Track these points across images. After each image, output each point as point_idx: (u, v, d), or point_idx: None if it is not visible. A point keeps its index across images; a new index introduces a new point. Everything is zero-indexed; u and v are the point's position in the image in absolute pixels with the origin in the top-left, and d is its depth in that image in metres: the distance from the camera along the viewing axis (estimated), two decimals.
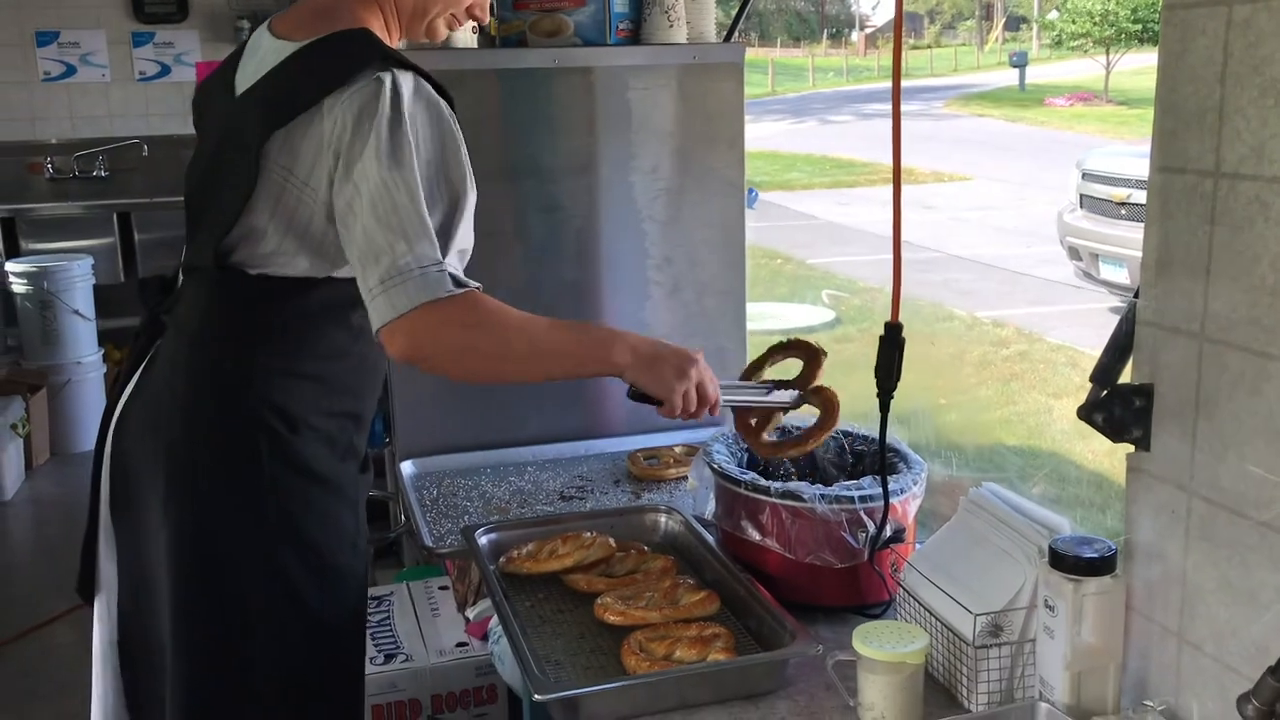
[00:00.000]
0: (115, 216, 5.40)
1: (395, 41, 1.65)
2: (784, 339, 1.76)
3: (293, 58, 1.52)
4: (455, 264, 1.45)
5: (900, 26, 1.23)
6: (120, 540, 1.64)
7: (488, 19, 1.72)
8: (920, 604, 1.39)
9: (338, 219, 1.46)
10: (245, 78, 1.57)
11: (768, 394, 1.67)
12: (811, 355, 1.69)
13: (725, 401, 1.59)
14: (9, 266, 5.01)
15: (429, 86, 1.49)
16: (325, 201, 1.47)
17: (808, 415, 1.68)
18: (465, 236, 1.49)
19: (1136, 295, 1.21)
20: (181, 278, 1.63)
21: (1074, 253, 8.17)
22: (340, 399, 1.60)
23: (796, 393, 1.67)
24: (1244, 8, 1.02)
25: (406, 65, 1.48)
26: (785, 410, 1.68)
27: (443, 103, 1.50)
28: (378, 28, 1.59)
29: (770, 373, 1.74)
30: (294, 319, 1.55)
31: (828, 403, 1.64)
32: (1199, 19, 1.07)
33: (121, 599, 1.65)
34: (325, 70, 1.47)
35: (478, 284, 1.45)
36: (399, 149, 1.42)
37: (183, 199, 1.66)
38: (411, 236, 1.40)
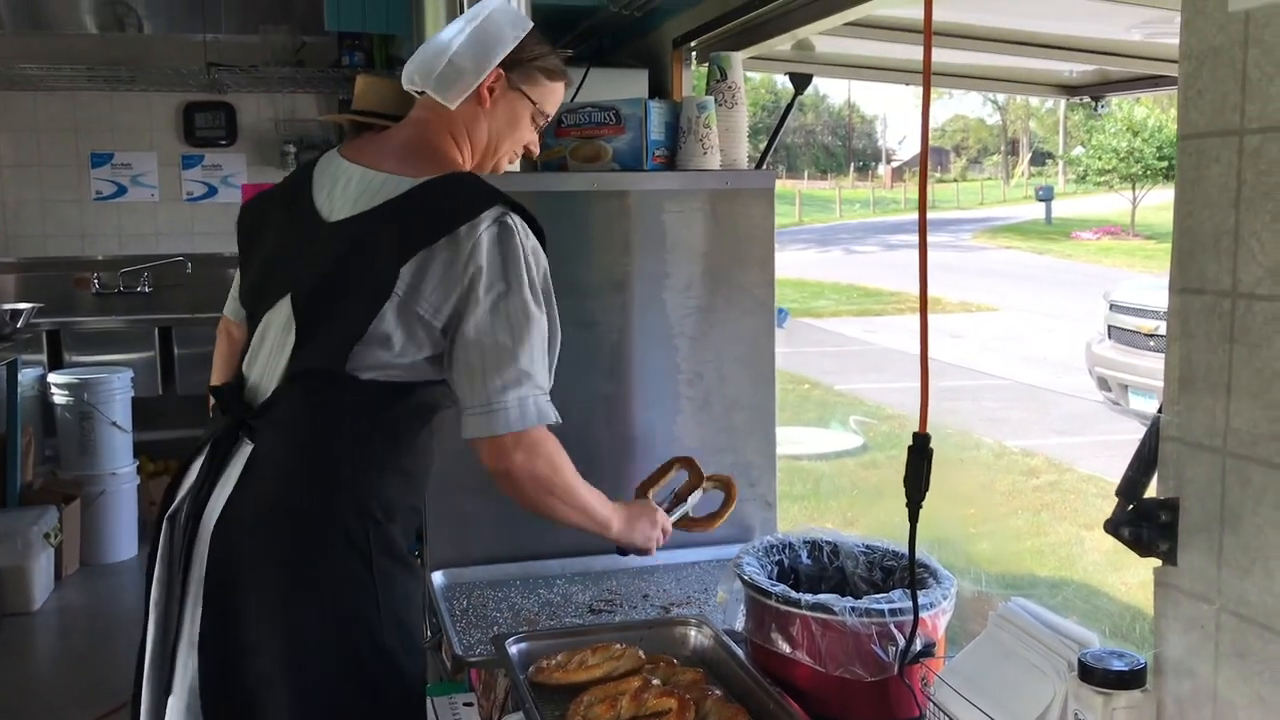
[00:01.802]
0: (157, 331, 5.54)
1: None
2: (669, 459, 2.12)
3: (423, 188, 1.71)
4: (548, 388, 1.70)
5: (927, 141, 1.29)
6: (211, 643, 1.68)
7: (538, 152, 1.95)
8: (951, 718, 1.39)
9: (466, 335, 1.64)
10: (339, 202, 1.75)
11: (688, 506, 2.05)
12: (690, 464, 2.08)
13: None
14: (51, 378, 5.13)
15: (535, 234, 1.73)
16: (448, 317, 1.66)
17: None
18: (552, 366, 1.73)
19: (1160, 411, 1.23)
20: (276, 384, 1.73)
21: (1103, 383, 8.19)
22: (417, 490, 1.81)
23: (699, 493, 2.07)
24: (1255, 138, 1.07)
25: (520, 208, 1.71)
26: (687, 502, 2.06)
27: (541, 250, 1.73)
28: (460, 165, 1.82)
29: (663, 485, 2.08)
30: (398, 419, 1.73)
31: (728, 486, 2.08)
32: (1213, 148, 1.13)
33: (207, 701, 1.68)
34: (458, 203, 1.68)
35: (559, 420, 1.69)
36: (533, 285, 1.66)
37: (218, 314, 1.94)
38: (539, 366, 1.66)
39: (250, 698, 1.65)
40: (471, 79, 1.79)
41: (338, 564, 1.67)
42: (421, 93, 1.83)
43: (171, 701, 1.71)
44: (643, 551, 1.92)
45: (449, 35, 1.82)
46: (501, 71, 1.80)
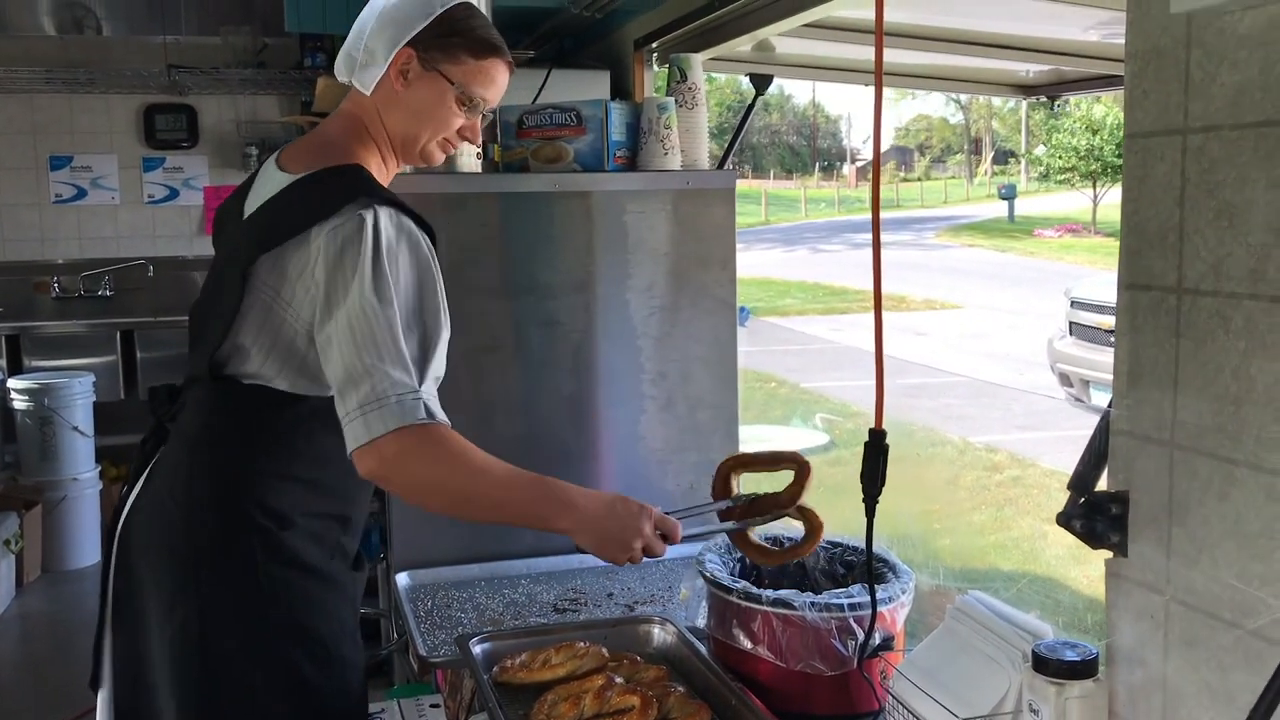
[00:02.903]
0: (118, 335, 5.49)
1: (393, 170, 1.78)
2: (776, 451, 1.82)
3: (288, 188, 1.64)
4: (430, 391, 1.54)
5: (879, 138, 1.31)
6: (119, 639, 1.68)
7: (479, 141, 1.81)
8: (909, 711, 1.41)
9: (319, 344, 1.56)
10: (251, 205, 1.71)
11: (733, 520, 1.72)
12: (801, 470, 1.73)
13: (687, 537, 1.67)
14: (11, 383, 5.07)
15: (411, 222, 1.59)
16: (307, 324, 1.58)
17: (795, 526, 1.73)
18: (439, 366, 1.59)
19: (1111, 405, 1.26)
20: (185, 387, 1.72)
21: (1065, 379, 8.27)
22: (328, 501, 1.69)
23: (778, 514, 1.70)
24: (1197, 137, 1.10)
25: (391, 202, 1.59)
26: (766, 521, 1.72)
27: (423, 239, 1.60)
28: (374, 161, 1.71)
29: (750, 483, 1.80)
30: (288, 426, 1.64)
31: (812, 520, 1.69)
32: (1158, 146, 1.15)
33: (118, 697, 1.68)
34: (314, 202, 1.59)
35: (447, 420, 1.53)
36: (380, 282, 1.51)
37: (180, 317, 1.80)
38: (390, 364, 1.49)
39: (148, 695, 1.65)
40: (381, 62, 1.67)
41: (217, 569, 1.61)
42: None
43: (101, 694, 1.73)
44: (620, 560, 1.62)
45: (366, 16, 1.72)
46: (413, 51, 1.66)
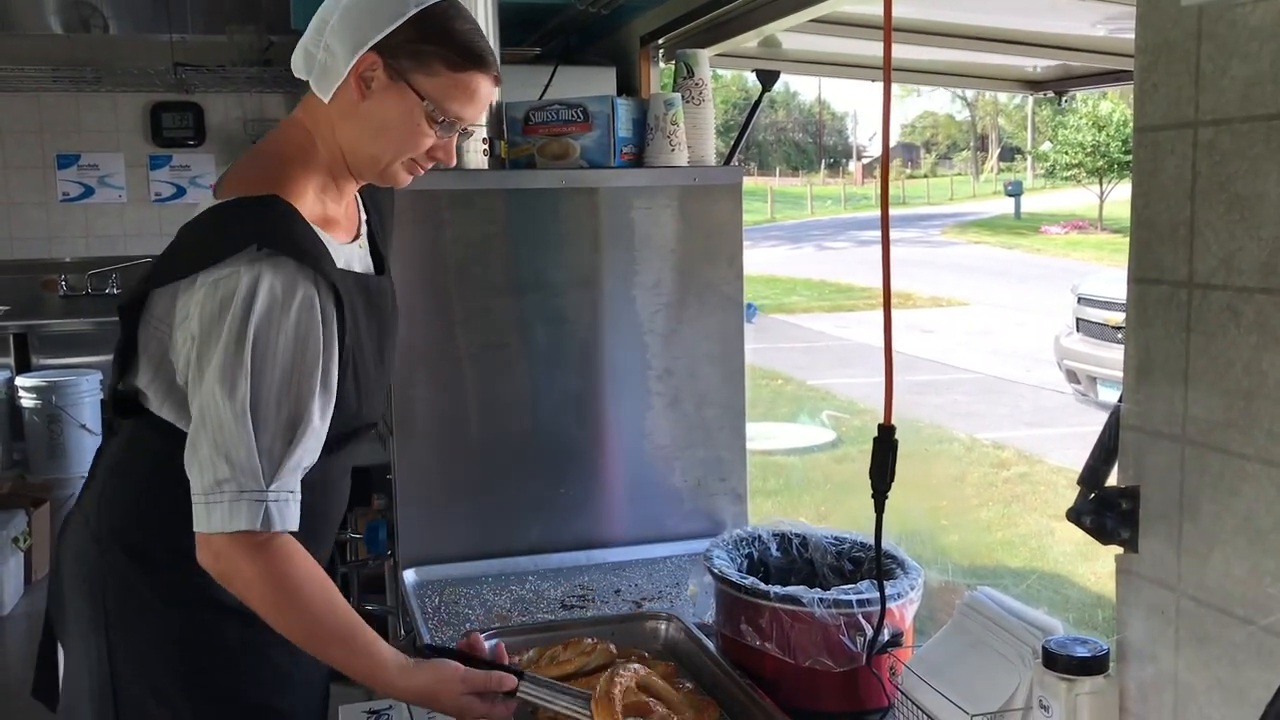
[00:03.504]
0: None
1: (347, 192, 1.59)
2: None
3: (198, 218, 1.48)
4: (287, 489, 1.39)
5: (888, 133, 1.31)
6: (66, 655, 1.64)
7: (453, 163, 1.57)
8: (918, 707, 1.41)
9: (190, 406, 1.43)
10: None
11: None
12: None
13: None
14: (19, 381, 5.08)
15: (308, 283, 1.39)
16: (184, 375, 1.44)
17: None
18: (305, 454, 1.42)
19: (1121, 400, 1.25)
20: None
21: (1072, 376, 8.26)
22: None
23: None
24: (1208, 130, 1.09)
25: (295, 251, 1.39)
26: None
27: (317, 303, 1.40)
28: (314, 185, 1.51)
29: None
30: None
31: None
32: (1168, 140, 1.15)
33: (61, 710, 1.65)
34: (210, 241, 1.43)
35: (293, 525, 1.40)
36: (237, 370, 1.35)
37: None
38: (234, 460, 1.35)
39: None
40: (342, 66, 1.44)
41: (125, 610, 1.52)
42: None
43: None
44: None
45: (330, 6, 1.49)
46: (379, 57, 1.44)
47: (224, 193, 1.48)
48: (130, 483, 1.57)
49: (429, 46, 1.44)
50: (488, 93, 1.51)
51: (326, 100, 1.48)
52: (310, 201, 1.49)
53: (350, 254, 1.57)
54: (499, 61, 1.55)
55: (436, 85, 1.45)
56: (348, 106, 1.47)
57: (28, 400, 5.03)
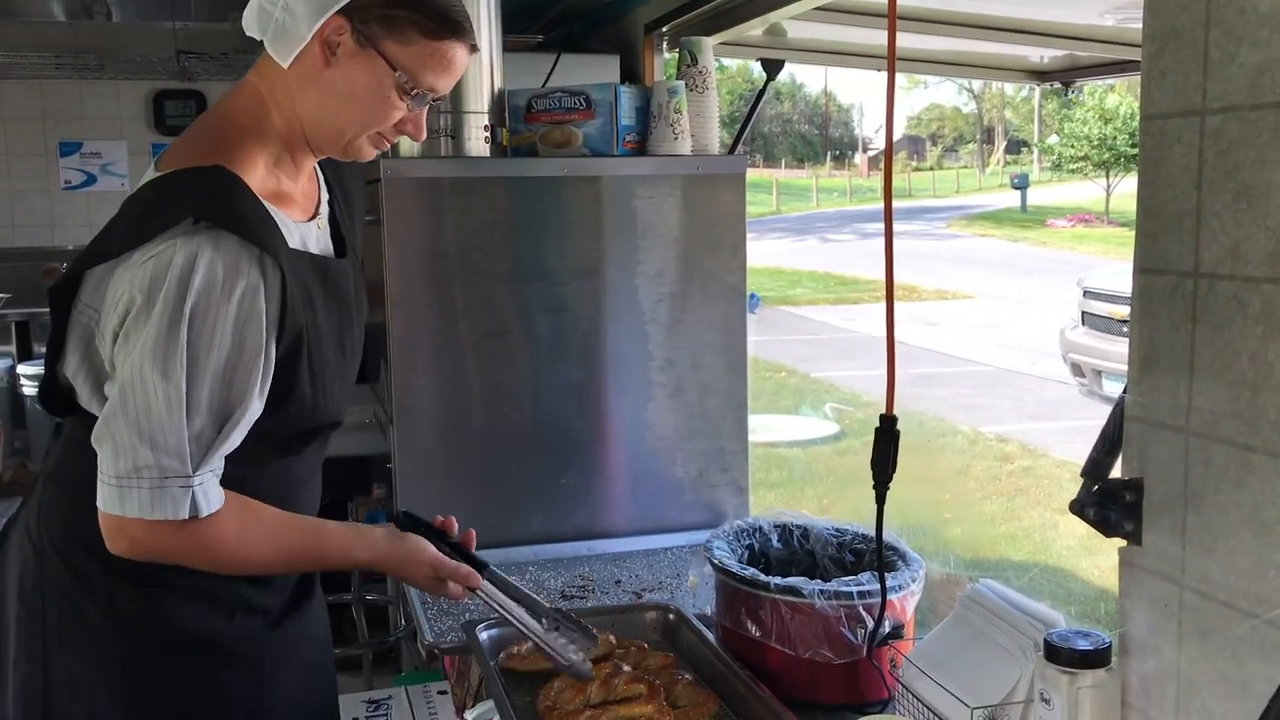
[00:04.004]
0: None
1: (304, 166, 1.48)
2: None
3: (136, 193, 1.37)
4: (212, 468, 1.31)
5: (892, 122, 1.30)
6: None
7: (423, 137, 1.47)
8: (919, 700, 1.40)
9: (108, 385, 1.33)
10: None
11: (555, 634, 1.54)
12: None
13: (490, 600, 1.53)
14: (21, 369, 5.08)
15: (249, 259, 1.29)
16: (109, 358, 1.34)
17: None
18: (239, 434, 1.34)
19: (1125, 392, 1.24)
20: None
21: (1077, 369, 8.25)
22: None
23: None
24: (1216, 118, 1.08)
25: (235, 223, 1.28)
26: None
27: (261, 289, 1.30)
28: (264, 157, 1.40)
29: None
30: None
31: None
32: (1175, 128, 1.13)
33: None
34: (146, 216, 1.31)
35: (217, 505, 1.32)
36: (170, 350, 1.25)
37: None
38: (159, 445, 1.26)
39: None
40: (304, 29, 1.32)
41: (65, 633, 1.41)
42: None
43: None
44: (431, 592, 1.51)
45: None
46: (346, 21, 1.33)
47: (164, 165, 1.36)
48: (66, 491, 1.42)
49: (402, 11, 1.33)
50: (464, 63, 1.41)
51: (285, 66, 1.36)
52: (261, 175, 1.38)
53: (306, 233, 1.45)
54: (490, 42, 1.48)
55: (410, 54, 1.35)
56: (309, 74, 1.35)
57: (29, 389, 5.02)
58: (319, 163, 1.54)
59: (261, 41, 1.39)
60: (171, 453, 1.27)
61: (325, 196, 1.56)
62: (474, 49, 1.42)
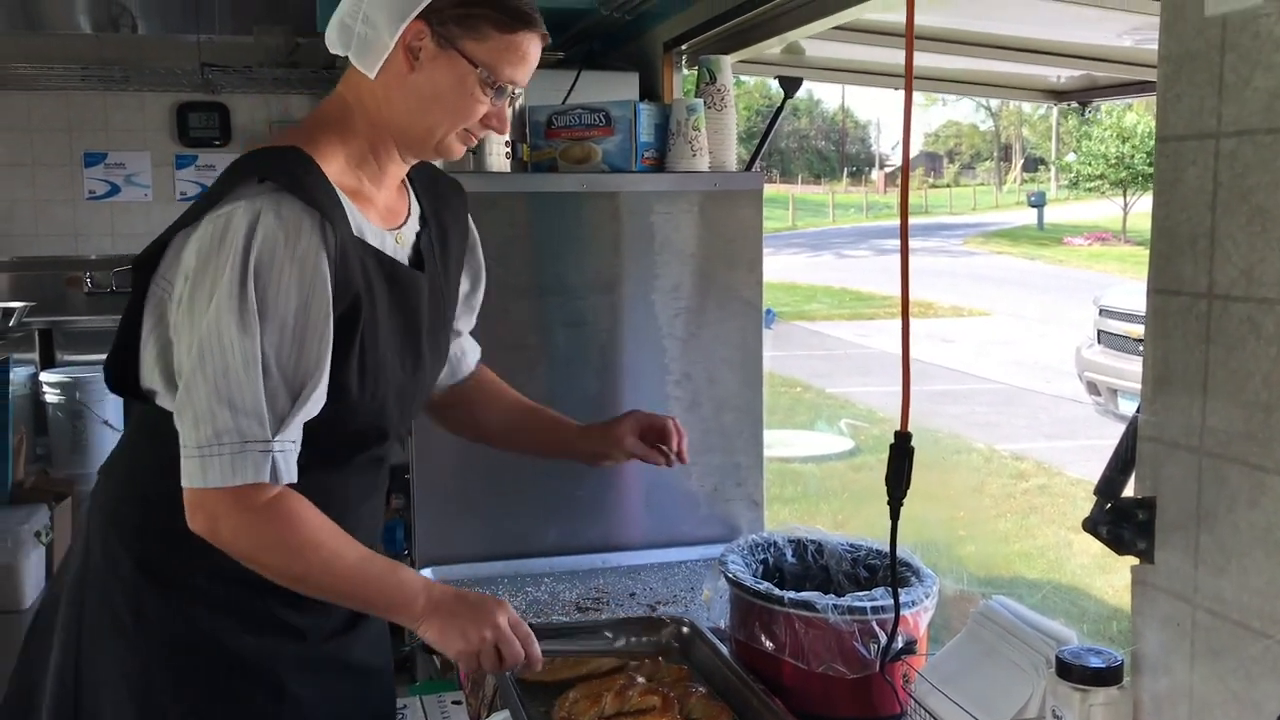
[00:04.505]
0: None
1: (391, 171, 1.51)
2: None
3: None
4: (290, 439, 1.32)
5: (909, 140, 1.31)
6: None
7: (506, 130, 1.52)
8: (931, 715, 1.41)
9: (175, 346, 1.36)
10: None
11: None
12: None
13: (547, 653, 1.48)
14: (43, 377, 5.12)
15: (311, 222, 1.32)
16: (174, 324, 1.37)
17: None
18: (314, 406, 1.35)
19: (1139, 411, 1.25)
20: None
21: (1092, 388, 8.22)
22: (238, 565, 1.36)
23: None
24: (1230, 141, 1.09)
25: (295, 187, 1.32)
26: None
27: (324, 252, 1.32)
28: (344, 155, 1.44)
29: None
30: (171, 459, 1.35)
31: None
32: (1190, 150, 1.14)
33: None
34: (213, 188, 1.38)
35: (293, 477, 1.33)
36: (243, 306, 1.28)
37: None
38: (238, 407, 1.28)
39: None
40: (386, 38, 1.38)
41: (99, 628, 1.44)
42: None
43: None
44: (461, 651, 1.40)
45: None
46: (426, 25, 1.38)
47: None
48: (110, 481, 1.48)
49: (477, 9, 1.39)
50: (536, 53, 1.46)
51: (373, 76, 1.42)
52: (339, 167, 1.43)
53: (383, 239, 1.47)
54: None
55: (487, 49, 1.40)
56: (395, 80, 1.41)
57: (51, 396, 5.06)
58: (418, 194, 1.60)
59: (346, 57, 1.45)
60: (250, 414, 1.28)
61: (414, 218, 1.58)
62: (545, 38, 1.47)
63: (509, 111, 1.51)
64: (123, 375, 1.44)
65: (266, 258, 1.29)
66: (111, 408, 5.12)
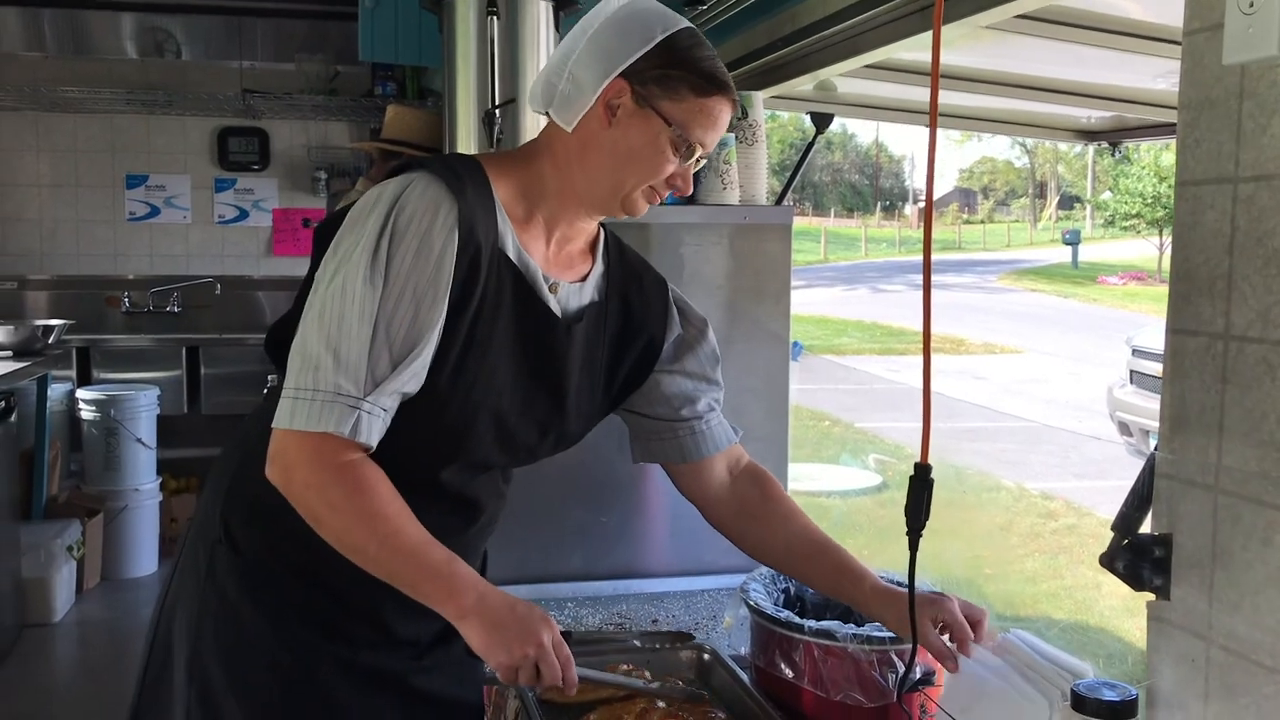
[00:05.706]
0: (184, 351, 5.62)
1: (569, 228, 1.56)
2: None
3: None
4: (381, 406, 1.36)
5: (932, 179, 1.33)
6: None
7: (690, 190, 1.54)
8: None
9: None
10: None
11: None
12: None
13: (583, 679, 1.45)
14: (80, 394, 5.21)
15: (451, 209, 1.38)
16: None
17: None
18: (410, 379, 1.38)
19: (1156, 448, 1.27)
20: None
21: (1124, 428, 8.18)
22: (319, 559, 1.40)
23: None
24: (1248, 186, 1.11)
25: (451, 182, 1.40)
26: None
27: (456, 233, 1.38)
28: (519, 180, 1.51)
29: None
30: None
31: None
32: (1208, 194, 1.17)
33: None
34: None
35: (373, 445, 1.36)
36: (375, 260, 1.35)
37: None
38: (341, 358, 1.33)
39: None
40: (589, 94, 1.44)
41: (187, 568, 1.56)
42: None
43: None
44: (504, 662, 1.37)
45: (575, 38, 1.49)
46: (627, 84, 1.43)
47: None
48: (225, 451, 1.58)
49: (676, 71, 1.43)
50: (727, 118, 1.50)
51: (570, 129, 1.46)
52: (510, 194, 1.49)
53: (536, 273, 1.52)
54: None
55: (682, 110, 1.44)
56: (590, 135, 1.46)
57: (87, 413, 5.15)
58: (610, 267, 1.66)
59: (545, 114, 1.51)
60: (350, 369, 1.33)
61: (593, 284, 1.63)
62: (736, 105, 1.51)
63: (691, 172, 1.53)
64: (286, 339, 1.46)
65: (403, 224, 1.36)
66: (145, 426, 5.20)
